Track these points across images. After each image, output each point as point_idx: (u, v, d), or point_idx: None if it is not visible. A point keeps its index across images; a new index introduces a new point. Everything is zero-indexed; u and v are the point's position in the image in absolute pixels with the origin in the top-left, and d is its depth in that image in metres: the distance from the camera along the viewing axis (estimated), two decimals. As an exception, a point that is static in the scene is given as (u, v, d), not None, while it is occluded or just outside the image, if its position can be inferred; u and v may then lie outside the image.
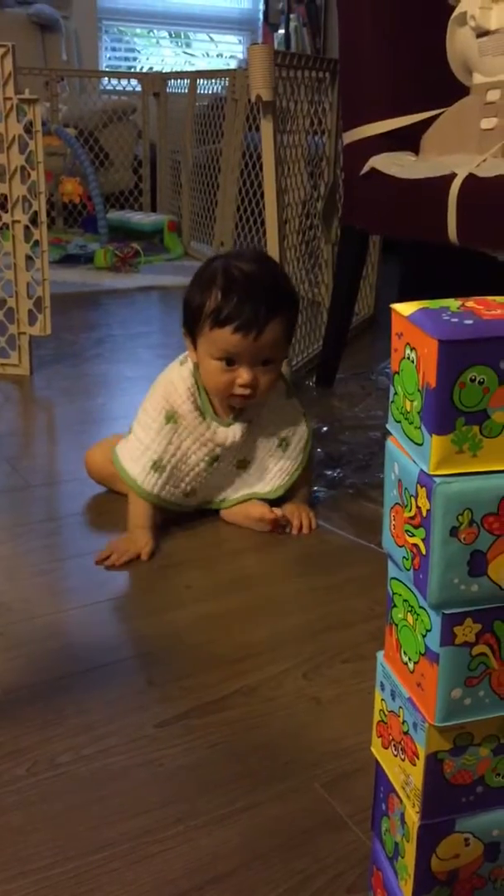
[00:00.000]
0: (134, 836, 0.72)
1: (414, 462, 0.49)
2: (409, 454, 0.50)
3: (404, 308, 0.49)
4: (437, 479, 0.47)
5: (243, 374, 1.13)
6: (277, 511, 1.24)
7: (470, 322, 0.46)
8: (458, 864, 0.55)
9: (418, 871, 0.55)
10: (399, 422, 0.51)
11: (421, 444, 0.48)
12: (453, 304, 0.49)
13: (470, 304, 0.48)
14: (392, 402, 0.51)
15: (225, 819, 0.74)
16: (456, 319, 0.46)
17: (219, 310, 1.11)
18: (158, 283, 2.95)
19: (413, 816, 0.54)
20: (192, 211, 3.44)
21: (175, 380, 1.20)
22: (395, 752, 0.56)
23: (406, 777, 0.55)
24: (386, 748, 0.58)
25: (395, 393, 0.51)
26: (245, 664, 0.95)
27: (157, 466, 1.19)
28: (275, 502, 1.26)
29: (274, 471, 1.26)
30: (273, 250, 1.70)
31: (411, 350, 0.48)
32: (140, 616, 1.04)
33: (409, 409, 0.49)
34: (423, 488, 0.48)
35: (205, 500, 1.27)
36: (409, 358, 0.48)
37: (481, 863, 0.56)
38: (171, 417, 1.19)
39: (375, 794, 0.61)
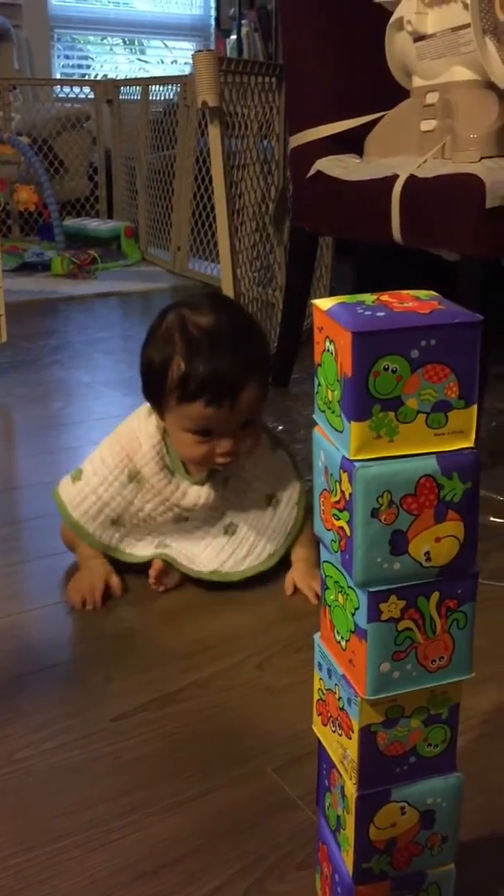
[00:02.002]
0: (92, 825, 0.74)
1: (337, 448, 0.52)
2: (333, 441, 0.52)
3: (323, 303, 0.52)
4: (357, 464, 0.49)
5: (223, 445, 1.00)
6: (290, 588, 1.09)
7: (382, 314, 0.48)
8: (395, 832, 0.58)
9: (358, 841, 0.58)
10: (323, 411, 0.53)
11: (342, 432, 0.50)
12: (369, 298, 0.51)
13: (384, 297, 0.51)
14: (317, 393, 0.54)
15: (180, 806, 0.76)
16: (369, 312, 0.49)
17: (184, 382, 0.97)
18: (116, 289, 2.96)
19: (351, 788, 0.57)
20: (148, 216, 3.46)
21: (140, 435, 1.07)
22: (334, 729, 0.59)
23: (344, 751, 0.58)
24: (325, 725, 0.60)
25: (319, 384, 0.53)
26: (201, 657, 0.97)
27: (114, 523, 1.09)
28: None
29: (266, 535, 1.12)
30: (224, 253, 1.72)
31: (330, 342, 0.51)
32: (98, 614, 1.05)
33: (330, 399, 0.52)
34: (345, 473, 0.50)
35: (183, 556, 1.10)
36: (328, 350, 0.51)
37: (417, 830, 0.59)
38: (135, 476, 1.07)
39: (319, 771, 0.64)
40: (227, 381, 0.96)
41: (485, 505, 1.25)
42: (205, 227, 2.93)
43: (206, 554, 1.11)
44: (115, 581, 1.08)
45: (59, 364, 2.11)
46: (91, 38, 4.89)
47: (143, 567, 1.11)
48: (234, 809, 0.76)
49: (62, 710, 0.88)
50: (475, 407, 0.50)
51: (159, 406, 1.03)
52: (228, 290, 1.79)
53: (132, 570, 1.12)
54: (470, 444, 0.51)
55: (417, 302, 0.50)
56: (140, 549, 1.11)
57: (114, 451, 1.08)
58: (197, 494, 1.07)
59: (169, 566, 1.10)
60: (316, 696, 0.61)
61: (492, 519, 1.29)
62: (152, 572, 1.09)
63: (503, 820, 0.75)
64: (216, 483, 1.08)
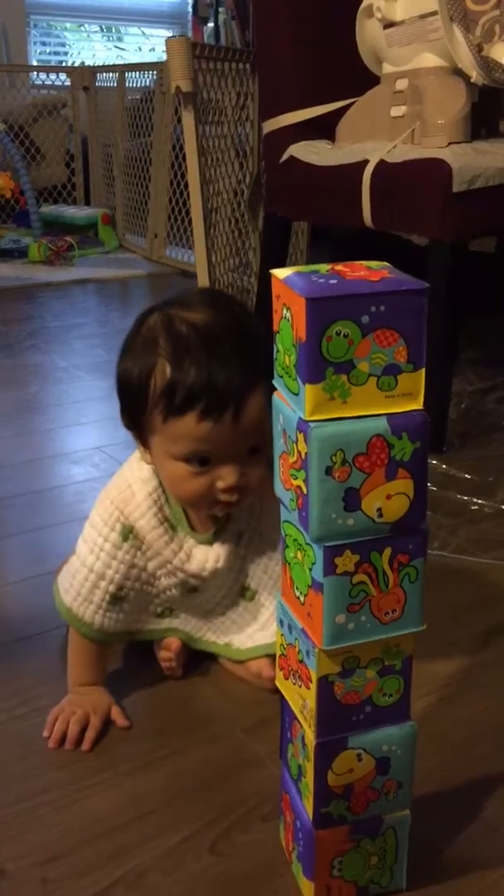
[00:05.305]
0: (62, 784, 0.76)
1: (293, 411, 0.54)
2: (290, 404, 0.55)
3: (280, 272, 0.54)
4: (312, 424, 0.52)
5: (227, 476, 0.77)
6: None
7: (334, 282, 0.51)
8: (352, 778, 0.61)
9: (317, 787, 0.61)
10: (281, 376, 0.56)
11: (297, 394, 0.53)
12: (323, 267, 0.54)
13: (338, 267, 0.54)
14: (275, 359, 0.57)
15: (150, 765, 0.79)
16: (322, 280, 0.51)
17: (171, 390, 0.74)
18: (94, 275, 2.97)
19: (310, 736, 0.60)
20: (125, 203, 3.46)
21: (133, 482, 0.85)
22: (294, 681, 0.62)
23: (303, 702, 0.60)
24: (287, 679, 0.63)
25: (277, 350, 0.56)
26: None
27: (116, 599, 0.85)
28: None
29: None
30: (199, 239, 1.74)
31: (287, 309, 0.53)
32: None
33: (287, 364, 0.54)
34: (301, 433, 0.53)
35: (195, 630, 0.91)
36: (285, 317, 0.54)
37: (374, 776, 0.62)
38: (128, 534, 0.84)
39: (282, 724, 0.67)
40: (228, 388, 0.74)
41: (452, 483, 1.28)
42: (182, 214, 2.94)
43: (219, 622, 0.91)
44: (116, 712, 0.85)
45: (35, 349, 2.12)
46: (68, 24, 4.86)
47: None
48: (203, 767, 0.78)
49: (36, 678, 0.90)
50: (423, 370, 0.53)
51: (141, 432, 0.81)
52: (203, 276, 1.82)
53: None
54: (419, 406, 0.53)
55: (369, 271, 0.53)
56: (153, 623, 0.90)
57: (101, 508, 0.85)
58: (204, 557, 0.85)
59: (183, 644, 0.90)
60: (278, 652, 0.64)
61: (459, 496, 1.32)
62: (167, 653, 0.89)
63: (459, 778, 0.78)
64: (228, 541, 0.86)
